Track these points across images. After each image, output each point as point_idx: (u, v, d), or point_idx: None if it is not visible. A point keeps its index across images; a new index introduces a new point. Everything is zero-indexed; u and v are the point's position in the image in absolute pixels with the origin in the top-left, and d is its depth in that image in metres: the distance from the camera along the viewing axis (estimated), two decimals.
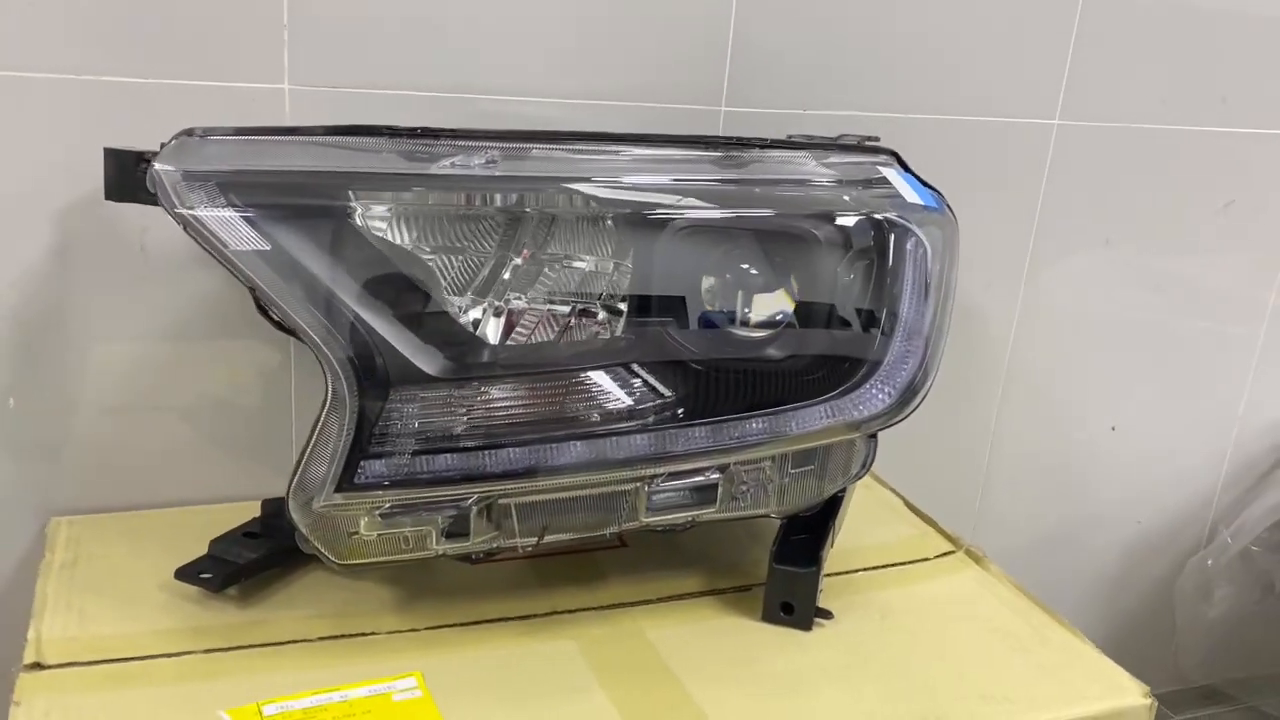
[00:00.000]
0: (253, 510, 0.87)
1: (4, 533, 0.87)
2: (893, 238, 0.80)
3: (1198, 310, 1.25)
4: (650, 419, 0.75)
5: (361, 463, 0.68)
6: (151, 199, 0.70)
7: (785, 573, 0.81)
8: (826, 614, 0.82)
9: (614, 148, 0.76)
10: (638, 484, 0.74)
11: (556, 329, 0.77)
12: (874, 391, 0.81)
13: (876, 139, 0.98)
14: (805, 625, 0.81)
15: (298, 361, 0.90)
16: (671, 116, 0.93)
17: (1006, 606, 0.86)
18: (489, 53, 0.87)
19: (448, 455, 0.69)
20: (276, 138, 0.70)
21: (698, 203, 0.75)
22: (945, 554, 0.94)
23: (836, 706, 0.73)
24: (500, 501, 0.72)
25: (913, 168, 0.85)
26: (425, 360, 0.70)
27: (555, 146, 0.75)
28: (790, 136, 0.93)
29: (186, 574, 0.77)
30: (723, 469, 0.76)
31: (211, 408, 0.89)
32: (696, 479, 0.76)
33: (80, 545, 0.83)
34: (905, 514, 1.00)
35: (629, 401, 0.75)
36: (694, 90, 0.94)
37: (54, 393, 0.85)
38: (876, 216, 0.79)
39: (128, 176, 0.73)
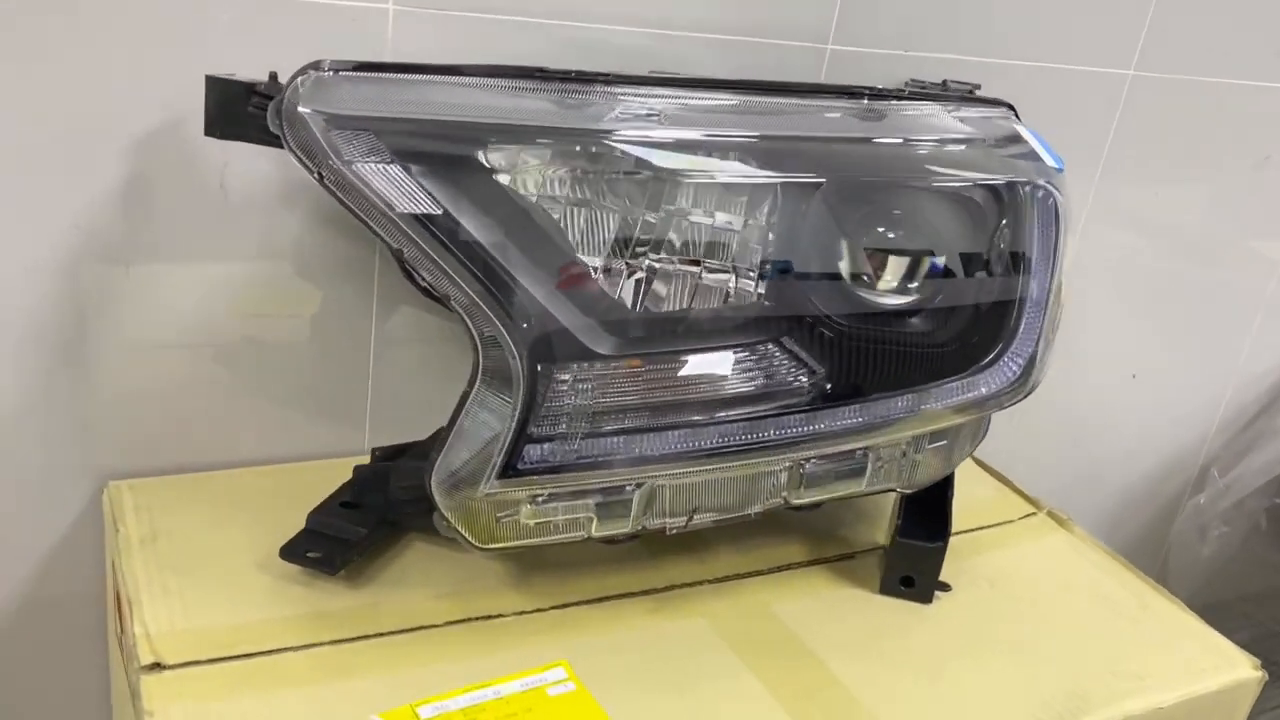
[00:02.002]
0: (322, 471, 0.80)
1: (58, 495, 0.77)
2: (1036, 203, 0.77)
3: (1214, 260, 1.28)
4: (805, 397, 0.71)
5: (527, 447, 0.62)
6: (267, 138, 0.62)
7: (911, 547, 0.79)
8: (945, 587, 0.81)
9: (764, 99, 0.71)
10: (791, 464, 0.71)
11: (693, 292, 0.73)
12: (1009, 365, 0.79)
13: (978, 87, 0.94)
14: (926, 599, 0.80)
15: (379, 314, 0.82)
16: (779, 53, 0.87)
17: (1103, 572, 0.87)
18: None
19: (614, 438, 0.64)
20: (418, 76, 0.62)
21: (856, 166, 0.70)
22: (1028, 515, 0.94)
23: (981, 685, 0.72)
24: (658, 484, 0.68)
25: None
26: (591, 336, 0.64)
27: (710, 96, 0.69)
28: (907, 83, 0.89)
29: (292, 554, 0.70)
30: (870, 448, 0.74)
31: (281, 359, 0.81)
32: (846, 460, 0.73)
33: (152, 516, 0.74)
34: (978, 472, 1.00)
35: (785, 379, 0.71)
36: (803, 27, 0.88)
37: (112, 342, 0.75)
38: (1022, 181, 0.76)
39: (235, 110, 0.64)
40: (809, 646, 0.74)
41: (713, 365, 0.68)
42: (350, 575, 0.72)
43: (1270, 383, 1.38)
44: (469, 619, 0.71)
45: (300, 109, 0.57)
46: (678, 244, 0.70)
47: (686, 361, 0.67)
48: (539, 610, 0.73)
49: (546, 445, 0.63)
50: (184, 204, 0.72)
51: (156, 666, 0.62)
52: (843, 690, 0.70)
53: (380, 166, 0.57)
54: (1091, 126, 1.08)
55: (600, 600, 0.75)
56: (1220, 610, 1.42)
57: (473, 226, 0.59)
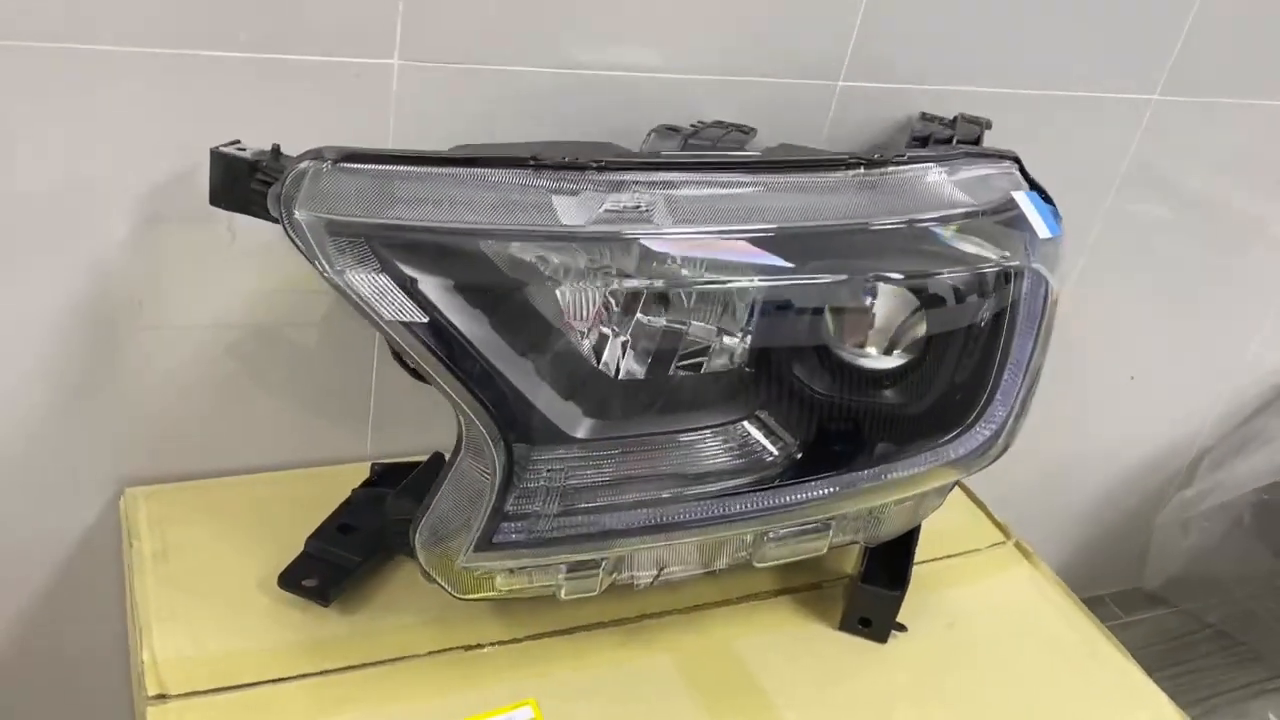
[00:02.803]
0: (327, 480, 0.86)
1: (75, 502, 0.84)
2: (1025, 287, 0.78)
3: (1234, 248, 1.27)
4: (776, 470, 0.74)
5: (502, 525, 0.67)
6: (266, 215, 0.65)
7: (871, 592, 0.84)
8: (901, 628, 0.86)
9: (751, 181, 0.72)
10: (757, 533, 0.75)
11: (678, 353, 0.76)
12: (979, 432, 0.82)
13: (988, 123, 0.94)
14: (881, 639, 0.85)
15: (380, 342, 0.85)
16: (789, 91, 0.87)
17: (1059, 614, 0.92)
18: (604, 27, 0.79)
19: (586, 516, 0.69)
20: (414, 168, 0.64)
21: (838, 259, 0.72)
22: (996, 544, 0.98)
23: None
24: (627, 553, 0.72)
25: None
26: (569, 421, 0.68)
27: (700, 178, 0.70)
28: (913, 135, 0.89)
29: (289, 582, 0.76)
30: (836, 516, 0.77)
31: (288, 371, 0.85)
32: (811, 527, 0.77)
33: (165, 530, 0.81)
34: (957, 495, 1.03)
35: (757, 455, 0.74)
36: (813, 65, 0.87)
37: (126, 363, 0.80)
38: (1009, 268, 0.77)
39: (238, 186, 0.67)
40: (764, 688, 0.79)
41: (688, 448, 0.72)
42: (344, 600, 0.78)
43: (1273, 383, 1.39)
44: (450, 649, 0.77)
45: (296, 214, 0.60)
46: (667, 301, 0.73)
47: (661, 445, 0.71)
48: (515, 641, 0.78)
49: (521, 523, 0.67)
50: (194, 245, 0.76)
51: (162, 698, 0.68)
52: None
53: (369, 275, 0.60)
54: (1105, 150, 1.07)
55: (573, 630, 0.80)
56: (1197, 587, 1.47)
57: (457, 331, 0.62)
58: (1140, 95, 1.03)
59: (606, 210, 0.66)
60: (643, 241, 0.66)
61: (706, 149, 0.80)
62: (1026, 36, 0.95)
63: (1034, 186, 0.85)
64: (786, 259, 0.70)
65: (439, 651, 0.76)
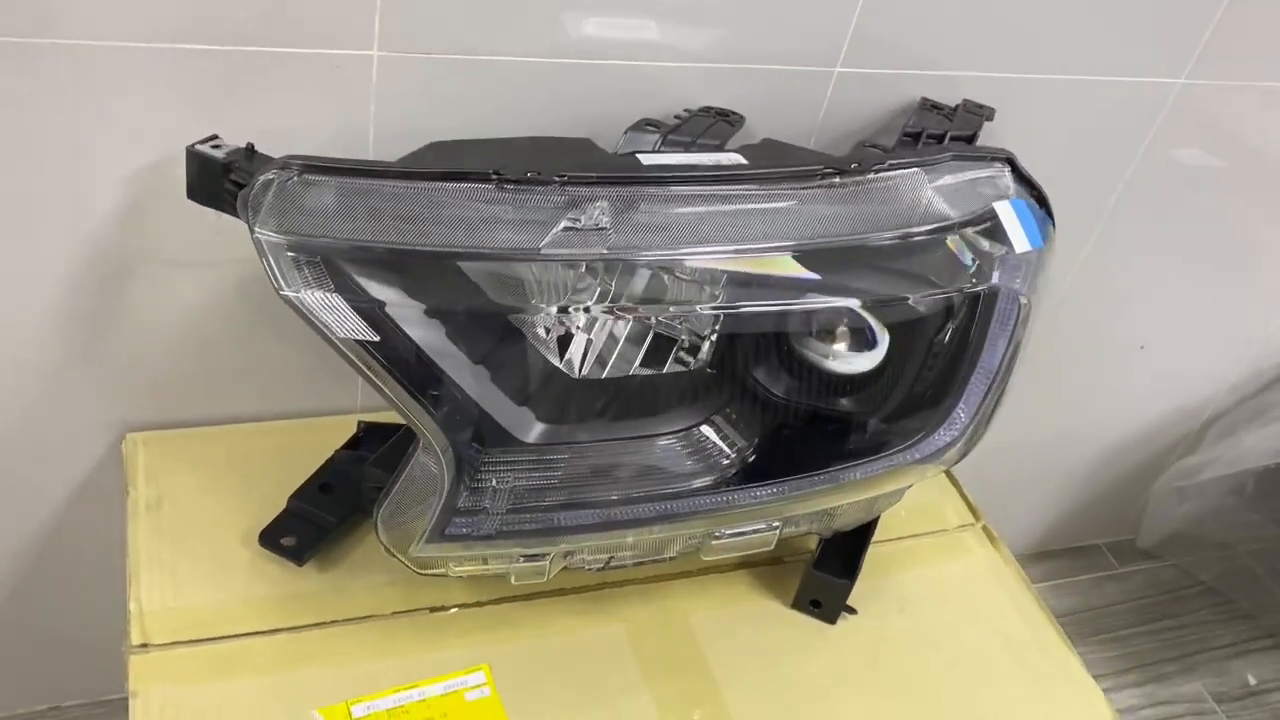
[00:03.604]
0: (317, 431, 0.90)
1: (79, 444, 0.90)
2: (996, 307, 0.78)
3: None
4: (727, 474, 0.77)
5: (453, 519, 0.71)
6: (234, 213, 0.67)
7: (822, 579, 0.88)
8: (851, 610, 0.90)
9: (716, 195, 0.72)
10: (705, 532, 0.79)
11: (642, 346, 0.78)
12: (943, 436, 0.83)
13: (992, 111, 0.92)
14: (831, 620, 0.89)
15: None
16: (782, 79, 0.86)
17: (1013, 604, 0.94)
18: (589, 15, 0.78)
19: (535, 514, 0.72)
20: (376, 181, 0.65)
21: (803, 282, 0.72)
22: (964, 526, 1.00)
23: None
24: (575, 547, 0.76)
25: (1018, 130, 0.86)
26: (521, 427, 0.71)
27: (663, 194, 0.71)
28: (904, 131, 0.87)
29: (269, 540, 0.82)
30: (786, 518, 0.80)
31: (283, 331, 0.89)
32: (761, 526, 0.80)
33: (160, 479, 0.86)
34: None
35: (711, 459, 0.77)
36: (809, 52, 0.85)
37: (127, 314, 0.84)
38: (979, 290, 0.77)
39: (212, 184, 0.69)
40: (709, 664, 0.84)
41: (641, 451, 0.75)
42: (320, 558, 0.83)
43: None
44: (415, 610, 0.82)
45: (257, 232, 0.62)
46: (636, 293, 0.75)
47: (615, 449, 0.74)
48: (478, 604, 0.84)
49: (471, 518, 0.71)
50: (178, 227, 0.78)
51: (144, 646, 0.75)
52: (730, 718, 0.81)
53: (323, 295, 0.63)
54: (1123, 134, 1.04)
55: (534, 597, 0.85)
56: (1191, 549, 1.48)
57: (410, 347, 0.65)
58: (1164, 79, 1.00)
59: (564, 229, 0.68)
60: (598, 265, 0.68)
61: (687, 144, 0.80)
62: (1038, 18, 0.92)
63: (1030, 185, 0.84)
64: (742, 283, 0.72)
65: (404, 612, 0.82)
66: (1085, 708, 0.88)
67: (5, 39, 0.68)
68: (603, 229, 0.69)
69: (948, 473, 1.05)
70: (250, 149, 0.70)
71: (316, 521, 0.83)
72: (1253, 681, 1.45)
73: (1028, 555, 1.54)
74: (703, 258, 0.70)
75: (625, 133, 0.78)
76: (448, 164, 0.71)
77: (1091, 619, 1.48)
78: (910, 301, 0.75)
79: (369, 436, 0.90)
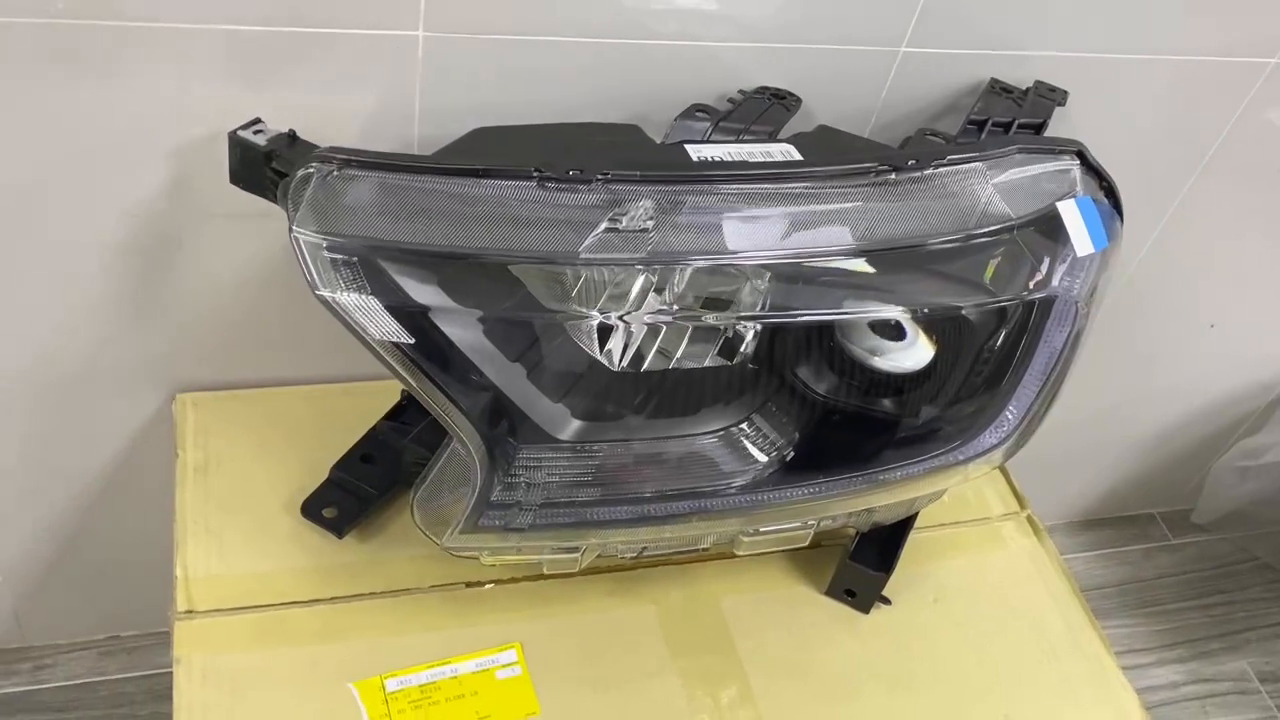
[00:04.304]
0: (361, 396, 0.91)
1: (132, 402, 0.92)
2: (1053, 312, 0.75)
3: None
4: (765, 473, 0.76)
5: (486, 511, 0.71)
6: (276, 200, 0.67)
7: (858, 570, 0.87)
8: (886, 601, 0.89)
9: (762, 194, 0.69)
10: (739, 529, 0.78)
11: (683, 340, 0.77)
12: (989, 438, 0.81)
13: (1064, 95, 0.88)
14: (864, 609, 0.89)
15: None
16: (843, 59, 0.82)
17: (1052, 597, 0.93)
18: None
19: (568, 509, 0.72)
20: (415, 178, 0.64)
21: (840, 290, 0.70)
22: (1009, 515, 0.99)
23: (872, 715, 0.82)
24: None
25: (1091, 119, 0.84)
26: (557, 425, 0.71)
27: (709, 191, 0.69)
28: (968, 119, 0.83)
29: (310, 511, 0.83)
30: (821, 517, 0.79)
31: None
32: (795, 525, 0.79)
33: (208, 441, 0.88)
34: None
35: (747, 457, 0.76)
36: (873, 31, 0.81)
37: (179, 275, 0.85)
38: (1034, 299, 0.74)
39: (254, 171, 0.69)
40: (737, 648, 0.84)
41: (678, 450, 0.74)
42: (360, 529, 0.85)
43: None
44: (452, 584, 0.83)
45: (295, 231, 0.62)
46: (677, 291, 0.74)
47: (651, 447, 0.74)
48: (513, 580, 0.85)
49: (504, 511, 0.71)
50: (222, 199, 0.78)
51: (189, 613, 0.78)
52: (756, 711, 0.80)
53: (358, 297, 0.62)
54: (1207, 114, 0.98)
55: (570, 575, 0.86)
56: (1253, 525, 1.45)
57: (448, 349, 0.65)
58: (1256, 59, 0.94)
59: (606, 230, 0.66)
60: (642, 269, 0.66)
61: (738, 133, 0.77)
62: None
63: (1100, 178, 0.80)
64: (790, 279, 0.70)
65: (441, 586, 0.83)
66: (1116, 711, 0.87)
67: (66, 21, 0.67)
68: (645, 230, 0.67)
69: None
70: (292, 135, 0.69)
71: (357, 493, 0.85)
72: None
73: (1079, 522, 1.53)
74: (747, 262, 0.69)
75: (675, 120, 0.76)
76: (490, 156, 0.70)
77: (1139, 590, 1.46)
78: (963, 311, 0.73)
79: (412, 405, 0.90)
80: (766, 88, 0.82)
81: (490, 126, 0.72)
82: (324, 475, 0.86)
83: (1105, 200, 0.82)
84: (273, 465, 0.87)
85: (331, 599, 0.81)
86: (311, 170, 0.63)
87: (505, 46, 0.75)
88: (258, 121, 0.69)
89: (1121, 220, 0.82)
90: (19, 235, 0.79)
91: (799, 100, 0.81)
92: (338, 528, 0.83)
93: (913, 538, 0.93)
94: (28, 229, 0.79)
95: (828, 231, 0.70)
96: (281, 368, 0.93)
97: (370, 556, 0.84)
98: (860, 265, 0.71)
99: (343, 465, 0.86)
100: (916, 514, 0.89)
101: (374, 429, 0.89)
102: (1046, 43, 0.87)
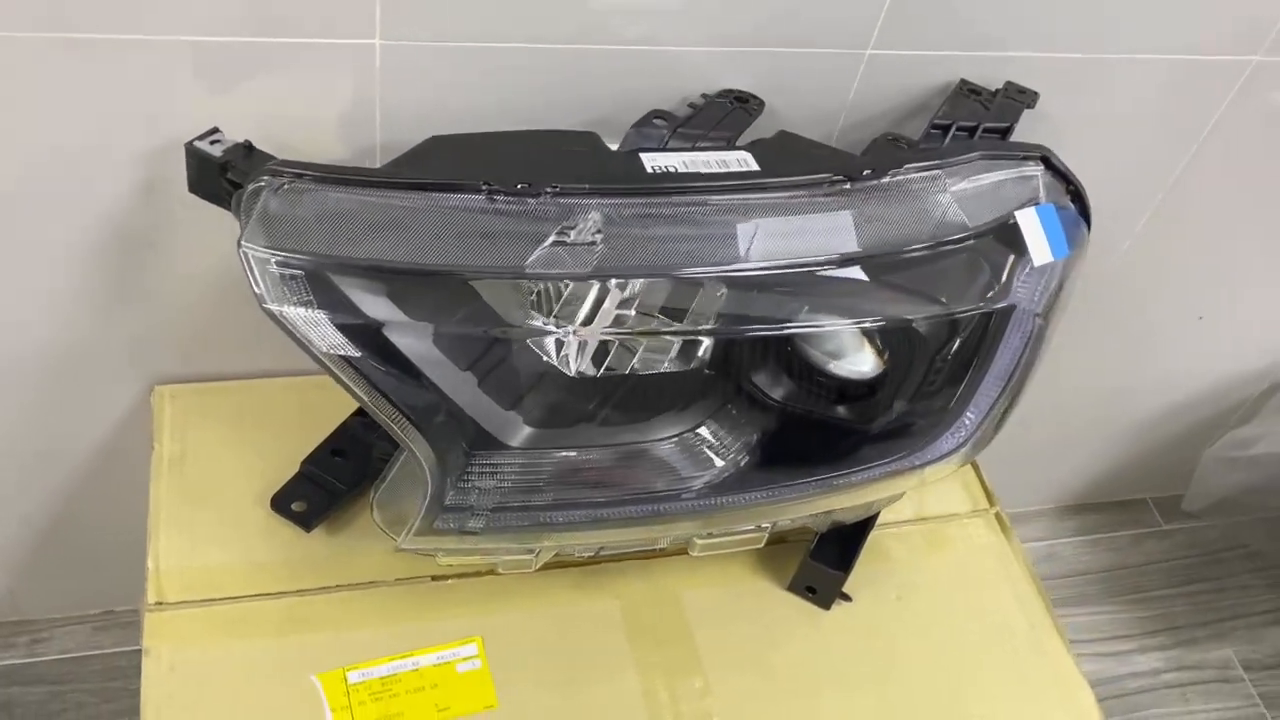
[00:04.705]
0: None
1: (110, 394, 0.94)
2: (1008, 323, 0.75)
3: None
4: (719, 479, 0.77)
5: (441, 514, 0.73)
6: (230, 208, 0.68)
7: (816, 568, 0.88)
8: (847, 598, 0.90)
9: (711, 206, 0.70)
10: (694, 532, 0.79)
11: (640, 351, 0.78)
12: (946, 443, 0.82)
13: (1035, 96, 0.87)
14: (825, 606, 0.90)
15: None
16: (808, 62, 0.82)
17: (1015, 597, 0.94)
18: None
19: (521, 513, 0.74)
20: (368, 191, 0.65)
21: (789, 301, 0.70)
22: (978, 511, 0.99)
23: (827, 713, 0.84)
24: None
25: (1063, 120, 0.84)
26: (508, 432, 0.72)
27: (659, 204, 0.69)
28: (932, 123, 0.82)
29: (280, 505, 0.85)
30: (775, 521, 0.81)
31: None
32: (748, 529, 0.80)
33: (185, 434, 0.90)
34: None
35: (702, 463, 0.77)
36: (838, 32, 0.81)
37: (158, 270, 0.86)
38: (994, 308, 0.74)
39: (211, 181, 0.71)
40: (697, 645, 0.86)
41: (632, 455, 0.75)
42: (329, 522, 0.86)
43: None
44: (417, 578, 0.85)
45: (243, 246, 0.63)
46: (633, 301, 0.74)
47: (604, 453, 0.75)
48: (478, 575, 0.87)
49: (458, 514, 0.73)
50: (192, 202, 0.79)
51: (159, 605, 0.80)
52: (710, 707, 0.82)
53: (305, 311, 0.63)
54: (1191, 113, 0.97)
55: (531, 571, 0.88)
56: (1243, 513, 1.45)
57: (396, 361, 0.66)
58: (1237, 57, 0.92)
59: (554, 243, 0.67)
60: (585, 284, 0.67)
61: (697, 139, 0.77)
62: None
63: (1068, 182, 0.80)
64: (743, 302, 0.70)
65: (407, 580, 0.85)
66: (1074, 710, 0.88)
67: (43, 34, 0.69)
68: (593, 244, 0.68)
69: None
70: (248, 146, 0.70)
71: (327, 487, 0.86)
72: None
73: (1070, 507, 1.53)
74: (695, 276, 0.69)
75: (632, 127, 0.76)
76: (444, 166, 0.71)
77: (1126, 576, 1.47)
78: (914, 323, 0.73)
79: None
80: (730, 90, 0.82)
81: (446, 135, 0.73)
82: (296, 469, 0.88)
83: (1071, 205, 0.82)
84: (246, 458, 0.89)
85: (299, 591, 0.83)
86: (262, 184, 0.65)
87: (463, 54, 0.75)
88: (215, 132, 0.70)
89: (1089, 225, 0.82)
90: None
91: (762, 103, 0.81)
92: (306, 521, 0.85)
93: (879, 534, 0.95)
94: (7, 229, 0.81)
95: (779, 244, 0.70)
96: (259, 360, 0.95)
97: (338, 550, 0.86)
98: (812, 278, 0.72)
99: (313, 459, 0.88)
100: (878, 513, 0.90)
101: (345, 424, 0.90)
102: (1019, 43, 0.86)
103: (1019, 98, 0.86)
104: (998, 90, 0.86)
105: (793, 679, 0.86)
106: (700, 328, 0.71)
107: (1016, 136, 0.87)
